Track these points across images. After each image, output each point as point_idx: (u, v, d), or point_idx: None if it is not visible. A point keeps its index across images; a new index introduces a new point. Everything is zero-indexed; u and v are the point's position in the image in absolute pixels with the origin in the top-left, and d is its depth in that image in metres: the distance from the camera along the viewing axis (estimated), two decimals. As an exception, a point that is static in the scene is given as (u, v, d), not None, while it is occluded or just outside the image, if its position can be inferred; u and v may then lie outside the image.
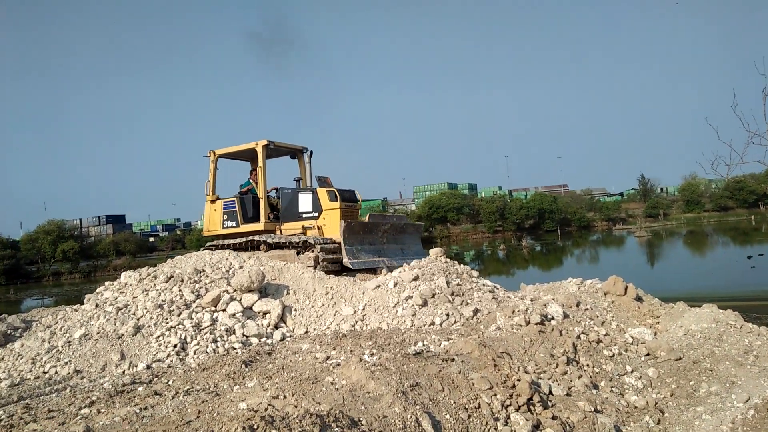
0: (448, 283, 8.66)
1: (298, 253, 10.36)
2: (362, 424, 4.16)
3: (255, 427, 3.61)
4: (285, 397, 4.73)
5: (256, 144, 11.34)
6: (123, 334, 7.40)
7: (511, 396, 4.87)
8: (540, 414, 4.79)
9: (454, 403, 4.71)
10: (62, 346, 7.26)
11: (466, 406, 4.70)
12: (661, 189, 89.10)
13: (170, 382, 5.87)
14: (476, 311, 8.00)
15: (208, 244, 12.02)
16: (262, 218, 11.33)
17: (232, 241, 11.31)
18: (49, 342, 7.48)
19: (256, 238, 10.98)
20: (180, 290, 8.60)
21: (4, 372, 6.96)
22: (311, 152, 12.04)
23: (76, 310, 8.58)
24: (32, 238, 54.56)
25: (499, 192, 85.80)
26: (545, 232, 61.57)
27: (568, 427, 4.70)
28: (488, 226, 63.55)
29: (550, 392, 5.29)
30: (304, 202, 11.00)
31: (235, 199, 11.80)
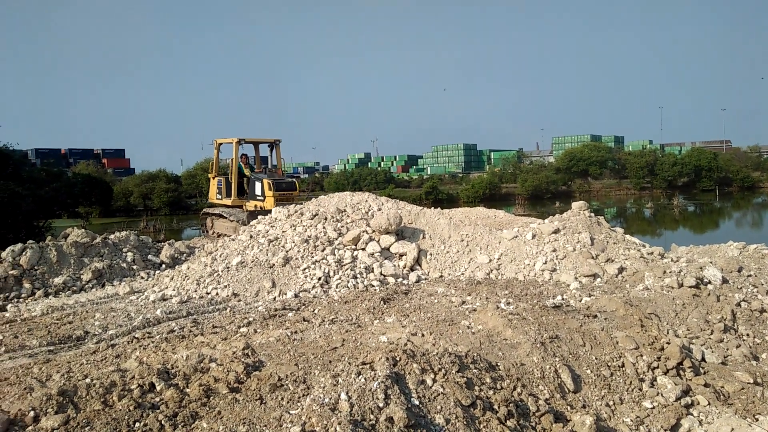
0: (591, 238, 8.28)
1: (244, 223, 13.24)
2: (499, 369, 4.19)
3: (397, 358, 3.77)
4: (423, 335, 4.88)
5: (231, 140, 15.08)
6: (274, 264, 8.00)
7: (659, 358, 4.62)
8: (691, 380, 4.51)
9: (596, 359, 4.57)
10: (222, 271, 8.02)
11: (609, 364, 4.54)
12: None
13: (316, 311, 6.29)
14: (621, 269, 7.60)
15: (205, 210, 16.40)
16: (232, 196, 15.16)
17: (216, 210, 15.42)
18: (210, 267, 8.29)
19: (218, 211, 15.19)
20: (324, 228, 9.07)
21: (174, 290, 7.88)
22: (278, 142, 15.76)
23: (233, 240, 9.40)
24: (191, 174, 59.67)
25: (649, 146, 79.25)
26: (701, 192, 56.06)
27: (722, 397, 4.38)
28: (635, 182, 58.97)
29: (703, 359, 4.94)
30: (258, 187, 14.57)
31: (222, 178, 15.66)
